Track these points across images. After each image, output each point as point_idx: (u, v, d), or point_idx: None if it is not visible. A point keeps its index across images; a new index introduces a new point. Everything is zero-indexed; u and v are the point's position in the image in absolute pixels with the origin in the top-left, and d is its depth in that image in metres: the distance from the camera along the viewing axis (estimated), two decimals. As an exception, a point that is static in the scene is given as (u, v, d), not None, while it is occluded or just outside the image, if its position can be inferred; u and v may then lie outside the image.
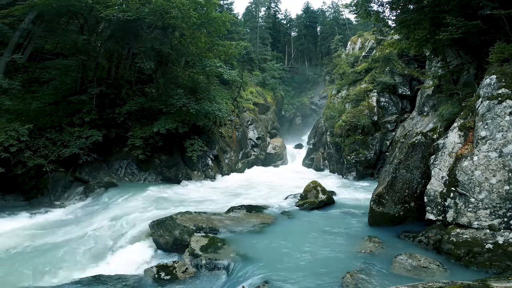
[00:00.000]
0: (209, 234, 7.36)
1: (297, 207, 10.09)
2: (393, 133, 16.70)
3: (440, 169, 6.85)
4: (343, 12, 45.22)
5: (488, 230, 5.69)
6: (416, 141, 8.08)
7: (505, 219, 5.59)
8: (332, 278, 5.14)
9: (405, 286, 3.74)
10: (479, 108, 6.58)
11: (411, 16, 10.13)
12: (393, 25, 12.56)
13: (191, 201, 11.41)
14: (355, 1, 12.35)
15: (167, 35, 16.10)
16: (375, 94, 17.78)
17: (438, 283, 3.71)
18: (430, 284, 3.70)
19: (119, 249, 7.41)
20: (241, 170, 19.87)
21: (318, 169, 20.70)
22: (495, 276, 4.96)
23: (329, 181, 16.14)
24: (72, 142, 12.33)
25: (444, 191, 6.57)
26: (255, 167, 21.78)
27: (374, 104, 17.40)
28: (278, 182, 16.21)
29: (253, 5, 44.85)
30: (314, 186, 10.78)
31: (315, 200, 10.13)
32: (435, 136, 8.55)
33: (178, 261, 6.22)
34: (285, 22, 52.55)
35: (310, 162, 22.45)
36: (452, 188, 6.38)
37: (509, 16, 7.42)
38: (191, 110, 14.31)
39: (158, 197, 11.63)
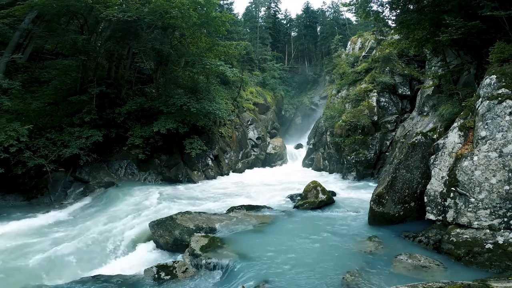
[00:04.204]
0: (209, 234, 7.36)
1: (297, 207, 10.10)
2: (393, 133, 16.68)
3: (440, 169, 6.86)
4: (343, 12, 45.28)
5: (488, 230, 5.69)
6: (416, 141, 8.09)
7: (505, 219, 5.59)
8: (332, 277, 5.15)
9: (405, 286, 3.74)
10: (479, 108, 6.58)
11: (411, 16, 10.12)
12: (393, 25, 12.55)
13: (191, 201, 11.42)
14: (354, 1, 12.34)
15: (167, 35, 16.09)
16: (375, 94, 17.77)
17: (438, 283, 3.71)
18: (430, 284, 3.70)
19: (119, 249, 7.42)
20: (241, 170, 19.88)
21: (318, 169, 20.69)
22: (495, 276, 4.96)
23: (329, 181, 16.14)
24: (72, 142, 12.32)
25: (444, 191, 6.57)
26: (255, 167, 21.79)
27: (374, 104, 17.39)
28: (278, 182, 16.19)
29: (253, 5, 44.83)
30: (314, 186, 10.79)
31: (315, 200, 10.13)
32: (435, 136, 8.55)
33: (178, 261, 6.23)
34: (285, 22, 52.55)
35: (310, 162, 22.44)
36: (452, 188, 6.39)
37: (509, 16, 7.42)
38: (191, 109, 14.30)
39: (158, 197, 11.63)
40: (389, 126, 17.01)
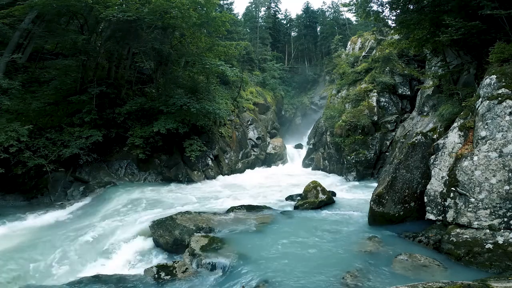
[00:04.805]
0: (209, 234, 7.36)
1: (297, 207, 10.09)
2: (393, 133, 16.68)
3: (440, 169, 6.85)
4: (343, 12, 45.25)
5: (488, 230, 5.69)
6: (416, 141, 8.08)
7: (505, 219, 5.59)
8: (332, 277, 5.14)
9: (405, 286, 3.74)
10: (479, 108, 6.58)
11: (411, 16, 10.12)
12: (393, 25, 12.56)
13: (191, 201, 11.42)
14: (354, 1, 12.34)
15: (167, 35, 16.09)
16: (375, 94, 17.77)
17: (438, 283, 3.71)
18: (430, 284, 3.70)
19: (119, 249, 7.41)
20: (241, 170, 19.87)
21: (318, 169, 20.69)
22: (495, 276, 4.96)
23: (329, 181, 16.14)
24: (72, 142, 12.32)
25: (444, 191, 6.57)
26: (255, 167, 21.79)
27: (374, 104, 17.39)
28: (278, 182, 16.20)
29: (253, 5, 44.83)
30: (314, 186, 10.79)
31: (315, 200, 10.13)
32: (435, 136, 8.55)
33: (178, 261, 6.22)
34: (285, 22, 52.52)
35: (310, 162, 22.44)
36: (452, 188, 6.38)
37: (509, 16, 7.42)
38: (192, 109, 14.29)
39: (158, 197, 11.63)
40: (389, 126, 17.01)
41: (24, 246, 7.44)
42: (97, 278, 5.80)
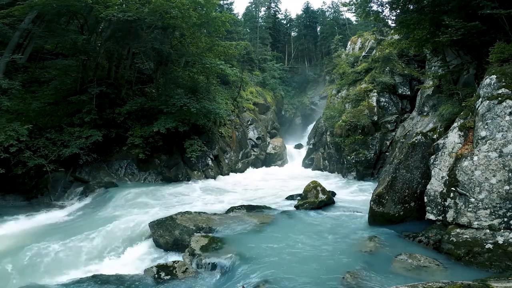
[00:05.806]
0: (209, 234, 7.37)
1: (297, 207, 10.10)
2: (393, 133, 16.68)
3: (440, 169, 6.85)
4: (343, 12, 45.27)
5: (488, 230, 5.69)
6: (416, 141, 8.09)
7: (505, 219, 5.59)
8: (332, 277, 5.14)
9: (405, 286, 3.74)
10: (479, 108, 6.58)
11: (411, 16, 10.11)
12: (393, 25, 12.55)
13: (191, 201, 11.42)
14: (354, 1, 12.34)
15: (167, 35, 16.10)
16: (375, 94, 17.77)
17: (438, 283, 3.71)
18: (430, 284, 3.70)
19: (119, 249, 7.42)
20: (241, 170, 19.88)
21: (318, 169, 20.69)
22: (495, 276, 4.95)
23: (329, 181, 16.14)
24: (72, 142, 12.32)
25: (444, 191, 6.57)
26: (255, 167, 21.80)
27: (374, 104, 17.39)
28: (278, 182, 16.21)
29: (253, 5, 44.86)
30: (314, 186, 10.79)
31: (315, 200, 10.13)
32: (435, 136, 8.54)
33: (178, 261, 6.22)
34: (285, 22, 52.55)
35: (310, 162, 22.44)
36: (452, 188, 6.38)
37: (509, 16, 7.41)
38: (192, 109, 14.29)
39: (158, 197, 11.63)
40: (389, 126, 17.01)
41: (23, 246, 7.42)
42: (97, 278, 5.79)
